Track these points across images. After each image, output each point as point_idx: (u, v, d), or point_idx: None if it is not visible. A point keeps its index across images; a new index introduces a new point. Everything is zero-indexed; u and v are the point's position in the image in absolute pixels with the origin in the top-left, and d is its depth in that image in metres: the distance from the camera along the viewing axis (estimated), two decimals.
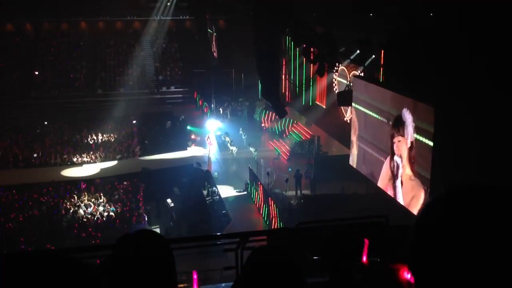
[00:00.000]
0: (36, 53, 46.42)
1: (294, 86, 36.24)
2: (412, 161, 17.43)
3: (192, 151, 32.74)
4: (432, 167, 15.78)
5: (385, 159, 19.18)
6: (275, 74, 26.52)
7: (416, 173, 17.21)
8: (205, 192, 25.65)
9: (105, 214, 24.70)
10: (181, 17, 49.06)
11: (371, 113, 20.23)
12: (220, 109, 38.18)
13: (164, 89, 44.57)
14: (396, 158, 18.41)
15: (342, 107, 27.07)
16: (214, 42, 46.17)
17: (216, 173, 28.69)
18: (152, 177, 27.67)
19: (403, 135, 17.81)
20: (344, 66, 26.93)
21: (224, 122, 36.62)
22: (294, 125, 33.29)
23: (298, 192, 24.69)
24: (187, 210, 24.00)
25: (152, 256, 1.77)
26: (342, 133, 26.56)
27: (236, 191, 26.91)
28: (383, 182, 19.55)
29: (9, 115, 36.56)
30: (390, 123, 18.54)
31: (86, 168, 30.68)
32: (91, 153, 32.64)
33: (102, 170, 30.23)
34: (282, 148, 30.88)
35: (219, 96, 38.93)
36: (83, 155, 32.33)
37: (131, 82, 44.29)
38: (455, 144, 14.86)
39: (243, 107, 39.00)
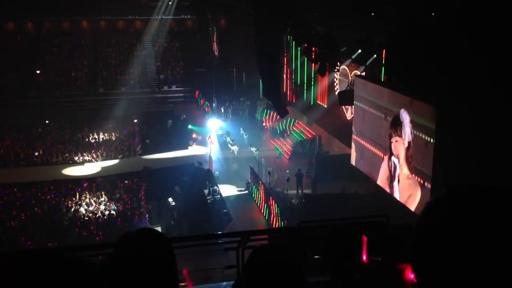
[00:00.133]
0: (38, 52, 46.44)
1: (296, 86, 36.24)
2: (409, 160, 17.56)
3: (193, 150, 32.74)
4: (433, 165, 15.83)
5: (383, 154, 19.31)
6: (276, 73, 26.48)
7: (413, 172, 17.29)
8: (206, 191, 25.66)
9: (106, 212, 24.73)
10: (182, 16, 49.05)
11: (369, 108, 20.39)
12: (222, 109, 38.17)
13: (165, 88, 44.56)
14: (393, 157, 18.57)
15: (343, 106, 27.09)
16: (215, 42, 46.15)
17: (217, 172, 28.69)
18: (153, 176, 27.68)
19: (400, 136, 17.97)
20: (346, 66, 26.92)
21: (225, 121, 36.61)
22: (296, 124, 33.28)
23: (299, 191, 24.68)
24: (188, 209, 24.01)
25: (153, 255, 1.77)
26: (343, 132, 26.56)
27: (238, 190, 26.91)
28: (381, 180, 19.72)
29: (10, 114, 36.62)
30: (388, 118, 18.68)
31: (88, 167, 30.71)
32: (93, 152, 32.67)
33: (104, 169, 30.25)
34: (284, 147, 30.87)
35: (220, 96, 38.91)
36: (84, 154, 32.37)
37: (133, 81, 44.31)
38: (455, 144, 14.87)
39: (244, 107, 38.98)
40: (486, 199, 1.10)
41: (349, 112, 27.12)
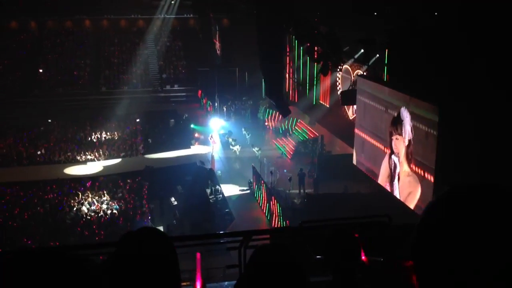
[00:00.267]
0: (40, 51, 46.51)
1: (298, 85, 36.23)
2: (409, 157, 17.64)
3: (195, 150, 32.75)
4: (437, 152, 15.84)
5: (384, 146, 19.38)
6: (279, 73, 26.48)
7: (415, 163, 17.33)
8: (208, 191, 25.66)
9: (109, 212, 24.76)
10: (185, 15, 49.07)
11: (370, 102, 20.54)
12: (224, 108, 38.16)
13: (167, 87, 44.59)
14: (394, 156, 18.70)
15: (345, 106, 27.08)
16: (218, 41, 46.16)
17: (219, 172, 28.70)
18: (156, 175, 27.70)
19: (400, 134, 18.05)
20: (348, 65, 26.90)
21: (228, 121, 36.59)
22: (298, 123, 33.26)
23: (301, 191, 24.68)
24: (190, 208, 24.02)
25: (155, 254, 1.77)
26: (346, 132, 26.55)
27: (240, 190, 26.91)
28: (382, 179, 19.79)
29: (13, 112, 36.69)
30: (389, 111, 18.78)
31: (90, 166, 30.75)
32: (95, 151, 32.70)
33: (106, 168, 30.28)
34: (287, 146, 30.85)
35: (222, 95, 38.92)
36: (87, 153, 32.40)
37: (135, 80, 44.35)
38: (455, 143, 14.88)
39: (247, 106, 38.97)
40: (487, 199, 1.11)
41: (351, 112, 27.11)
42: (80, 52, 46.81)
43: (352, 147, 23.51)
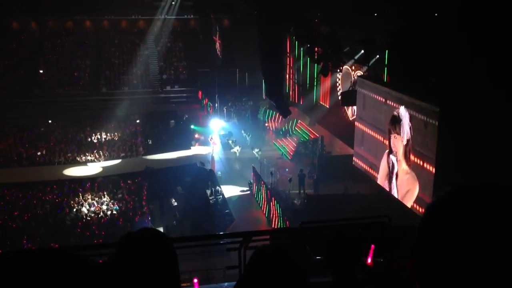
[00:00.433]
0: (41, 51, 46.52)
1: (299, 86, 36.24)
2: (407, 156, 17.69)
3: (195, 150, 32.75)
4: (436, 155, 15.86)
5: (383, 138, 19.45)
6: (279, 73, 26.50)
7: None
8: (208, 192, 25.66)
9: (109, 212, 24.75)
10: (185, 16, 49.08)
11: (370, 93, 20.63)
12: (224, 109, 38.16)
13: (168, 88, 44.59)
14: (392, 155, 18.80)
15: (345, 107, 27.08)
16: (218, 42, 46.17)
17: (219, 173, 28.70)
18: (156, 176, 27.70)
19: (399, 133, 18.10)
20: (348, 66, 26.89)
21: (228, 121, 36.57)
22: (298, 124, 33.27)
23: (302, 191, 24.68)
24: (190, 209, 24.02)
25: (155, 255, 1.77)
26: (346, 133, 26.54)
27: (240, 191, 26.91)
28: (381, 177, 19.84)
29: (13, 113, 36.68)
30: (388, 102, 18.84)
31: (90, 167, 30.74)
32: (95, 151, 32.70)
33: (106, 168, 30.28)
34: (288, 147, 30.84)
35: (223, 96, 38.93)
36: (87, 154, 32.40)
37: (135, 81, 44.35)
38: (455, 143, 14.88)
39: (247, 107, 38.98)
40: (488, 199, 1.11)
41: (350, 112, 27.11)
42: (81, 52, 46.83)
43: (352, 148, 23.52)
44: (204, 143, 33.40)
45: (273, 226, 22.37)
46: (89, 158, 32.03)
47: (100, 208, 25.13)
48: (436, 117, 15.90)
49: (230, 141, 31.97)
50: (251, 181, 26.67)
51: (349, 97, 23.31)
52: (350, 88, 24.44)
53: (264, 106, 36.64)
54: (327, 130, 30.91)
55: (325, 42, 22.71)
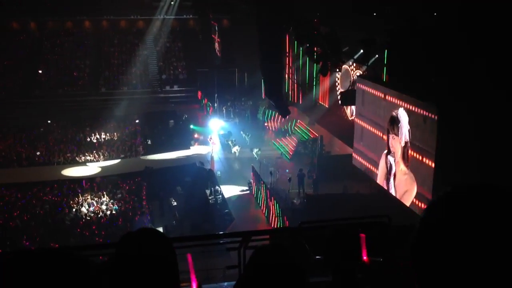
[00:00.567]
0: (40, 51, 46.52)
1: (298, 85, 36.24)
2: (405, 157, 17.72)
3: (195, 150, 32.75)
4: (436, 155, 15.86)
5: (382, 133, 19.49)
6: (278, 73, 26.49)
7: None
8: (208, 192, 25.66)
9: (108, 212, 24.75)
10: (184, 16, 49.09)
11: (368, 89, 20.67)
12: (223, 109, 38.15)
13: (167, 88, 44.60)
14: (390, 156, 18.86)
15: (344, 106, 27.08)
16: (217, 41, 46.18)
17: (219, 172, 28.70)
18: (155, 176, 27.70)
19: (397, 134, 18.11)
20: (348, 66, 26.89)
21: (228, 121, 36.56)
22: (297, 124, 33.27)
23: (301, 191, 24.68)
24: (190, 209, 24.02)
25: (155, 255, 1.77)
26: (345, 132, 26.54)
27: (240, 190, 26.91)
28: (380, 177, 19.88)
29: (12, 113, 36.67)
30: (387, 97, 18.86)
31: (89, 167, 30.74)
32: (94, 152, 32.69)
33: (105, 169, 30.27)
34: (287, 146, 30.82)
35: (222, 96, 38.93)
36: (86, 154, 32.40)
37: (135, 81, 44.35)
38: (455, 143, 14.88)
39: (246, 107, 38.97)
40: (487, 199, 1.11)
41: (349, 112, 27.12)
42: (80, 52, 46.83)
43: (351, 147, 23.53)
44: (204, 142, 33.40)
45: (272, 226, 22.38)
46: (88, 158, 32.02)
47: (100, 208, 25.13)
48: (435, 112, 15.91)
49: (229, 142, 31.97)
50: (251, 180, 26.67)
51: (349, 97, 23.31)
52: (350, 88, 24.44)
53: (264, 106, 36.63)
54: (326, 129, 30.90)
55: (325, 42, 22.71)
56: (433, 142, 16.00)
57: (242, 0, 35.24)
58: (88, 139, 34.93)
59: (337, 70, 27.39)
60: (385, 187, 19.50)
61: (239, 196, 26.52)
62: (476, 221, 1.08)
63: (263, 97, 36.19)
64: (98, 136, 35.26)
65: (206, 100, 40.11)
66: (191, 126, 36.32)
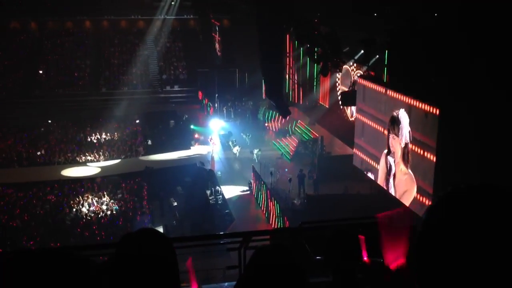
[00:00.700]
0: (41, 51, 46.52)
1: (298, 86, 36.24)
2: (405, 158, 17.72)
3: (195, 150, 32.75)
4: (436, 155, 15.85)
5: (383, 128, 19.49)
6: (279, 73, 26.50)
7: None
8: (208, 192, 25.67)
9: (108, 212, 24.76)
10: (185, 16, 49.10)
11: (369, 84, 20.72)
12: (224, 109, 38.16)
13: (167, 88, 44.59)
14: (389, 156, 18.87)
15: (344, 107, 27.07)
16: (218, 42, 46.18)
17: (219, 173, 28.70)
18: (156, 176, 27.70)
19: (397, 135, 18.11)
20: (348, 66, 26.89)
21: (228, 122, 36.55)
22: (297, 124, 33.27)
23: (301, 191, 24.68)
24: (190, 209, 24.02)
25: (155, 255, 1.77)
26: (345, 132, 26.54)
27: (240, 191, 26.92)
28: (380, 177, 19.88)
29: (12, 113, 36.68)
30: (388, 92, 18.87)
31: (90, 167, 30.74)
32: (95, 152, 32.70)
33: (106, 169, 30.28)
34: (288, 147, 30.82)
35: (222, 96, 38.93)
36: (86, 154, 32.40)
37: (135, 81, 44.35)
38: (455, 143, 14.88)
39: (247, 107, 38.97)
40: (488, 200, 1.11)
41: (350, 112, 27.11)
42: (80, 53, 46.83)
43: (352, 147, 23.51)
44: (204, 143, 33.41)
45: (273, 226, 22.38)
46: (89, 158, 32.03)
47: (100, 208, 25.15)
48: (436, 107, 15.90)
49: (230, 142, 31.97)
50: (251, 181, 26.67)
51: (349, 97, 23.29)
52: (350, 88, 24.41)
53: (264, 106, 36.63)
54: (327, 130, 30.90)
55: (325, 42, 22.71)
56: (434, 137, 15.97)
57: (242, 0, 35.24)
58: (89, 139, 34.94)
59: (338, 70, 27.39)
60: (385, 187, 19.52)
61: (239, 197, 26.53)
62: (476, 221, 1.08)
63: (264, 97, 36.18)
64: (98, 136, 35.27)
65: (206, 100, 40.10)
66: (192, 126, 36.32)
